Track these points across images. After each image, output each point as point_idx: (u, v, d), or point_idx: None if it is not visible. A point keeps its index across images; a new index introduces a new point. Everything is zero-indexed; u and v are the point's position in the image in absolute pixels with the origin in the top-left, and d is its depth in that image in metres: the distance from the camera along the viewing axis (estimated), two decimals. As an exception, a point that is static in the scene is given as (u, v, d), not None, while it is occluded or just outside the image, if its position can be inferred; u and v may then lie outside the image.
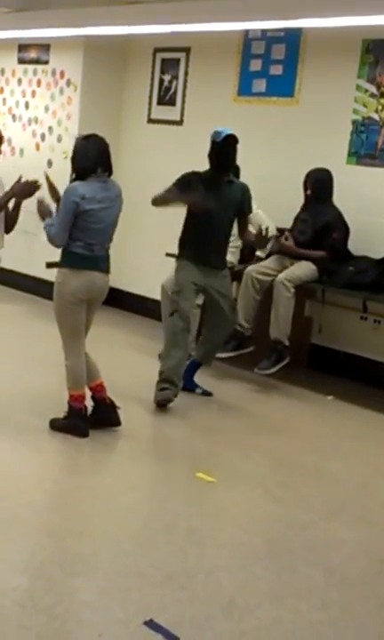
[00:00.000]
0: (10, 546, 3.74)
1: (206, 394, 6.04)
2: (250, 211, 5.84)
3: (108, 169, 4.92)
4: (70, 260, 4.89)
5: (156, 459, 4.93)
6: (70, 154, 4.99)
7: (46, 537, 3.86)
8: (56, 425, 5.05)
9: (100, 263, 4.94)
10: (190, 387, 6.01)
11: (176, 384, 5.62)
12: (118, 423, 5.11)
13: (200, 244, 5.64)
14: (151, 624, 3.20)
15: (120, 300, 7.51)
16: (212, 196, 5.56)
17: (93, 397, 5.12)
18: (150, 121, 8.25)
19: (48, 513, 4.17)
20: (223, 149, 5.58)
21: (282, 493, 4.57)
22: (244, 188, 5.80)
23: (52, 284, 5.03)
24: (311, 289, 6.54)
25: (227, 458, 5.01)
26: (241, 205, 5.75)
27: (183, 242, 5.76)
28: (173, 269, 5.89)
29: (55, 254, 4.99)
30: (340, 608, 3.49)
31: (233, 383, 6.47)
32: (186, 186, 5.56)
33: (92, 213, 4.80)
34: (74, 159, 4.91)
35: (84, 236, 4.84)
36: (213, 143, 5.60)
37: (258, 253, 6.73)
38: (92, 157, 4.86)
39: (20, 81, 9.00)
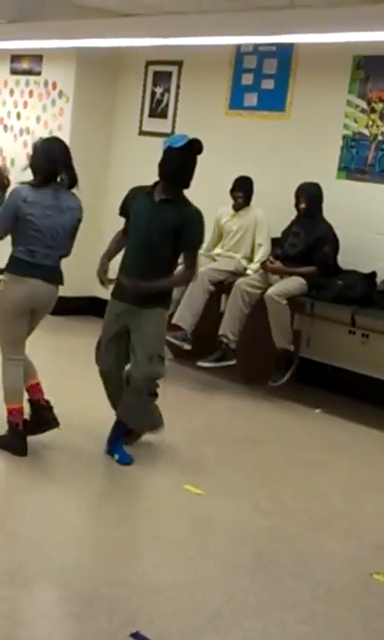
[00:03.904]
0: (-4, 556, 3.73)
1: (122, 462, 4.89)
2: (188, 248, 4.74)
3: (70, 177, 4.70)
4: (12, 266, 4.72)
5: (144, 470, 4.92)
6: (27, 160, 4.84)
7: (32, 548, 3.85)
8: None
9: (44, 272, 4.70)
10: (113, 449, 4.95)
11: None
12: (56, 423, 4.90)
13: (125, 273, 4.73)
14: (138, 636, 3.19)
15: (101, 309, 7.49)
16: (144, 215, 4.71)
17: (29, 398, 4.97)
18: (141, 133, 8.27)
19: (33, 524, 4.15)
20: (183, 158, 4.63)
21: (269, 506, 4.57)
22: (189, 217, 4.69)
23: None
24: (300, 302, 6.56)
25: (215, 470, 5.00)
26: (178, 236, 4.67)
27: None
28: None
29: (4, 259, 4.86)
30: (326, 621, 3.49)
31: (220, 395, 6.47)
32: (121, 210, 4.90)
33: (31, 219, 4.60)
34: (34, 164, 4.71)
35: (24, 242, 4.66)
36: (168, 150, 4.66)
37: (248, 271, 6.74)
38: (57, 161, 4.66)
39: (12, 91, 9.02)
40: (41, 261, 4.71)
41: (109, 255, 5.00)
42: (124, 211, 4.87)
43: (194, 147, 4.63)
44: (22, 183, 4.73)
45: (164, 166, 4.68)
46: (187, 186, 4.71)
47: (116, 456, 4.90)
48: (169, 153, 4.66)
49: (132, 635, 3.20)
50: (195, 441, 5.41)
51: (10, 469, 4.74)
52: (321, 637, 3.37)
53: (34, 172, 4.74)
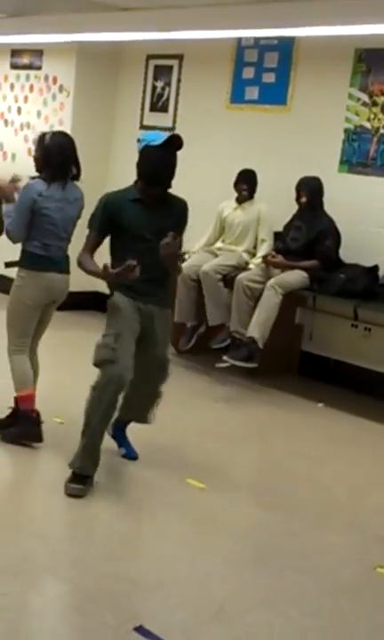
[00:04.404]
0: (0, 551, 3.73)
1: (128, 457, 4.87)
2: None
3: (77, 170, 4.82)
4: (28, 261, 4.78)
5: (146, 464, 4.92)
6: (34, 152, 4.86)
7: (36, 542, 3.85)
8: (6, 436, 4.85)
9: (58, 264, 4.81)
10: (120, 442, 4.90)
11: (91, 476, 4.40)
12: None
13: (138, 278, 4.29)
14: (141, 630, 3.19)
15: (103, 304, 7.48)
16: (143, 223, 4.36)
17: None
18: (142, 127, 8.26)
19: (39, 518, 4.16)
20: (165, 156, 4.30)
21: (272, 500, 4.57)
22: (184, 211, 4.49)
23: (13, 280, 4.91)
24: (302, 296, 6.56)
25: (217, 464, 5.00)
26: (176, 228, 4.37)
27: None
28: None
29: (15, 254, 4.88)
30: (330, 614, 3.49)
31: (222, 389, 6.47)
32: (100, 225, 4.41)
33: (47, 212, 4.68)
34: (47, 157, 4.73)
35: (39, 236, 4.72)
36: (147, 149, 4.30)
37: (251, 265, 6.74)
38: (69, 156, 4.75)
39: (12, 86, 9.01)
40: (55, 254, 4.79)
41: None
42: (106, 223, 4.39)
43: (174, 143, 4.30)
44: (33, 178, 4.77)
45: (144, 167, 4.33)
46: (170, 186, 4.41)
47: (123, 450, 4.87)
48: (148, 152, 4.30)
49: (136, 629, 3.20)
50: (196, 435, 5.41)
51: (14, 465, 4.75)
52: (325, 631, 3.37)
53: (43, 167, 4.78)
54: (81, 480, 4.35)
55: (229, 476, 4.84)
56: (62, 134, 4.91)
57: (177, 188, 4.49)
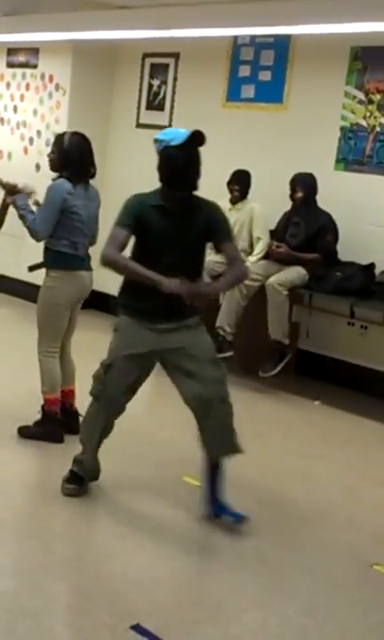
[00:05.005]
0: (-4, 550, 3.74)
1: (236, 519, 4.16)
2: (226, 239, 4.09)
3: (94, 169, 4.94)
4: (58, 261, 4.83)
5: (143, 462, 4.93)
6: (49, 150, 4.94)
7: (33, 541, 3.85)
8: (27, 432, 4.98)
9: (85, 261, 4.91)
10: (217, 512, 4.20)
11: (85, 483, 4.37)
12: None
13: (152, 291, 3.88)
14: (138, 628, 3.20)
15: (104, 303, 7.48)
16: (169, 226, 3.94)
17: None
18: (139, 125, 8.26)
19: (34, 517, 4.16)
20: (188, 155, 3.89)
21: (269, 498, 4.58)
22: (213, 210, 4.07)
23: (39, 287, 5.00)
24: (298, 294, 6.56)
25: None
26: (208, 234, 4.03)
27: (126, 287, 4.11)
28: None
29: (40, 258, 4.95)
30: (325, 613, 3.49)
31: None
32: (129, 220, 3.94)
33: (76, 210, 4.76)
34: (67, 157, 4.80)
35: (68, 234, 4.78)
36: (167, 150, 3.89)
37: (247, 264, 6.72)
38: (88, 156, 4.85)
39: (8, 85, 9.00)
40: (82, 252, 4.88)
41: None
42: (134, 221, 3.94)
43: (195, 140, 3.87)
44: (56, 178, 4.83)
45: (166, 170, 3.90)
46: (196, 187, 3.96)
47: (231, 518, 4.17)
48: (169, 153, 3.88)
49: (132, 627, 3.21)
50: (193, 433, 5.39)
51: (9, 463, 4.74)
52: (320, 629, 3.38)
53: (61, 167, 4.83)
54: (78, 480, 4.36)
55: (226, 474, 4.83)
56: (79, 135, 4.94)
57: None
